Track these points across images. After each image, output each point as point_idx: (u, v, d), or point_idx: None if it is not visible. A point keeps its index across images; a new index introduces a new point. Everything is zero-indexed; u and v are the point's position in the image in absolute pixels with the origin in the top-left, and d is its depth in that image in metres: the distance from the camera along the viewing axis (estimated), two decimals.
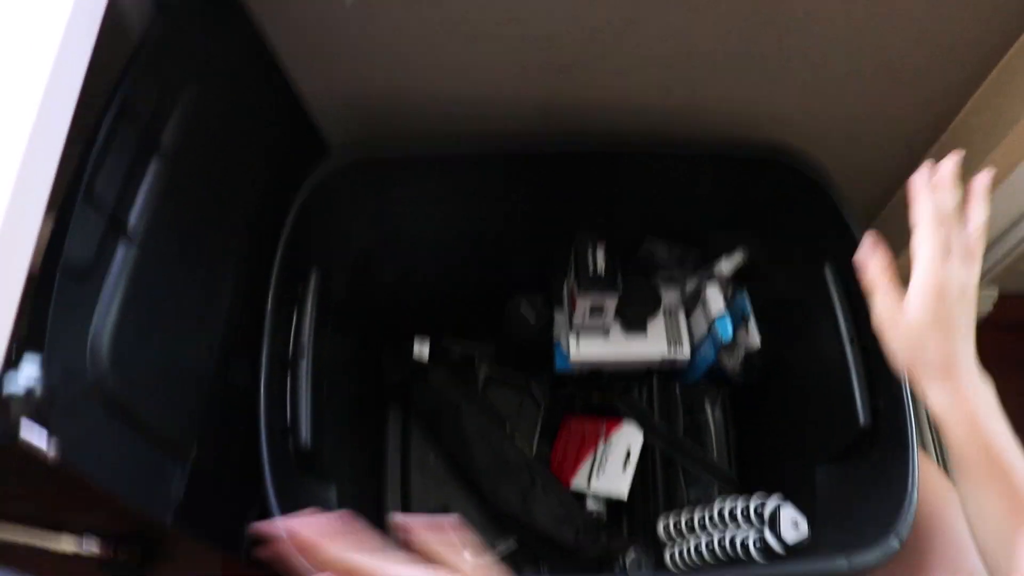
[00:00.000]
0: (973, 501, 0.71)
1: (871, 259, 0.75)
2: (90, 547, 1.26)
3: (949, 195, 0.74)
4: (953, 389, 0.69)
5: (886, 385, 0.92)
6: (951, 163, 0.76)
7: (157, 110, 0.77)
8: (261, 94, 1.02)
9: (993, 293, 1.59)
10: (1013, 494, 0.67)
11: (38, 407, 0.52)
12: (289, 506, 0.85)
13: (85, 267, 0.68)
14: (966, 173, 1.00)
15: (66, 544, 1.25)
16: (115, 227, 0.72)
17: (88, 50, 0.63)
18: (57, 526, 1.26)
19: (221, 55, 0.86)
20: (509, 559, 1.29)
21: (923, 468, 0.87)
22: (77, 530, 1.26)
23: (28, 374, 0.53)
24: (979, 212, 0.74)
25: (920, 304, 0.70)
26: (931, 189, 0.74)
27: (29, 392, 0.52)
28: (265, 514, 0.83)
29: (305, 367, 0.93)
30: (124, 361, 0.71)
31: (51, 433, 0.58)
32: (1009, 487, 0.67)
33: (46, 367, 0.55)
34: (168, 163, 0.78)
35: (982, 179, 0.76)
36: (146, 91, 0.75)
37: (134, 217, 0.74)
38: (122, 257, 0.73)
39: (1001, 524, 0.68)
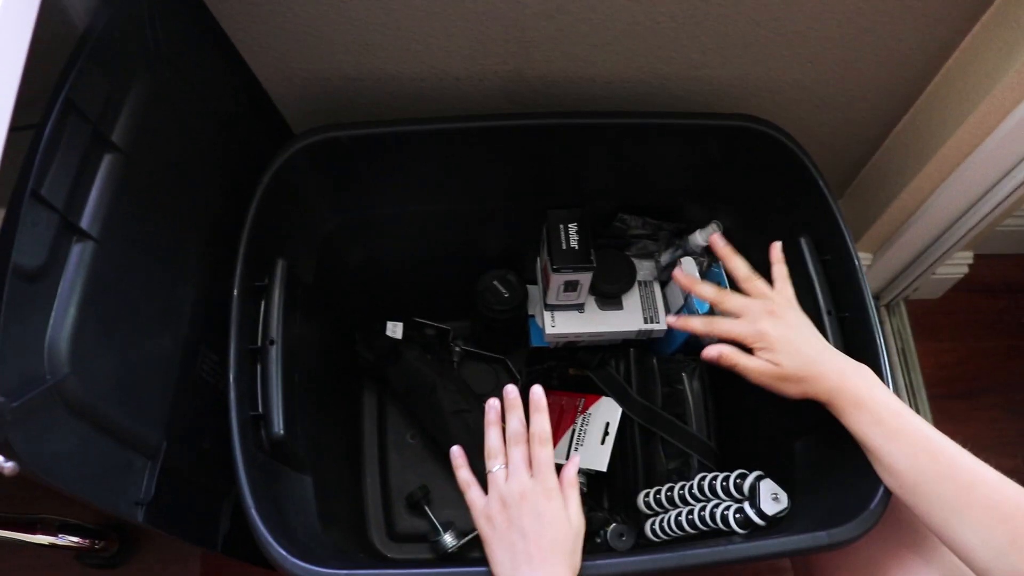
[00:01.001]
0: (891, 467, 0.81)
1: (718, 347, 0.93)
2: (66, 539, 1.25)
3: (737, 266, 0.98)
4: (835, 390, 0.85)
5: (864, 356, 0.92)
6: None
7: (107, 103, 0.74)
8: (218, 81, 0.99)
9: (968, 256, 1.59)
10: (913, 441, 0.80)
11: None
12: (264, 497, 0.84)
13: (38, 268, 0.66)
14: (936, 148, 1.02)
15: (41, 538, 1.24)
16: (68, 226, 0.69)
17: (24, 42, 0.59)
18: (31, 522, 1.24)
19: (173, 43, 0.83)
20: None
21: None
22: (52, 524, 1.24)
23: None
24: (778, 270, 0.98)
25: (765, 352, 0.90)
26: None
27: None
28: (239, 506, 0.82)
29: (275, 355, 0.92)
30: (85, 361, 0.70)
31: (8, 450, 0.56)
32: (908, 437, 0.80)
33: None
34: (122, 157, 0.75)
35: (775, 248, 0.99)
36: (94, 84, 0.72)
37: (88, 214, 0.71)
38: (78, 256, 0.70)
39: (924, 474, 0.78)
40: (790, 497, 0.98)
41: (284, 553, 0.79)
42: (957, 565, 0.84)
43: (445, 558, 1.25)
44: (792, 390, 0.89)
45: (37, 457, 0.62)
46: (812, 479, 0.99)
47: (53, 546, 1.26)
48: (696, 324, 1.00)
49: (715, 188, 1.16)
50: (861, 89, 1.17)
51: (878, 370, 0.89)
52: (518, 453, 0.85)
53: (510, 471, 0.84)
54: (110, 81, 0.75)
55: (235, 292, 0.91)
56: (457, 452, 0.91)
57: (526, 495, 0.81)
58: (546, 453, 0.85)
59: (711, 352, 0.94)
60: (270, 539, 0.79)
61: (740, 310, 0.93)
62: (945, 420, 1.55)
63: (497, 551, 0.81)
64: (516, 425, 0.87)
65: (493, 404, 0.90)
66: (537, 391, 0.88)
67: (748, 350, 0.92)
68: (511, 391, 0.89)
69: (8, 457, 0.56)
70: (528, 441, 0.86)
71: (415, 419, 1.36)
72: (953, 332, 1.64)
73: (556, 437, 1.27)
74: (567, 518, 0.82)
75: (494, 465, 0.86)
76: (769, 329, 0.89)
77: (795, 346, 0.88)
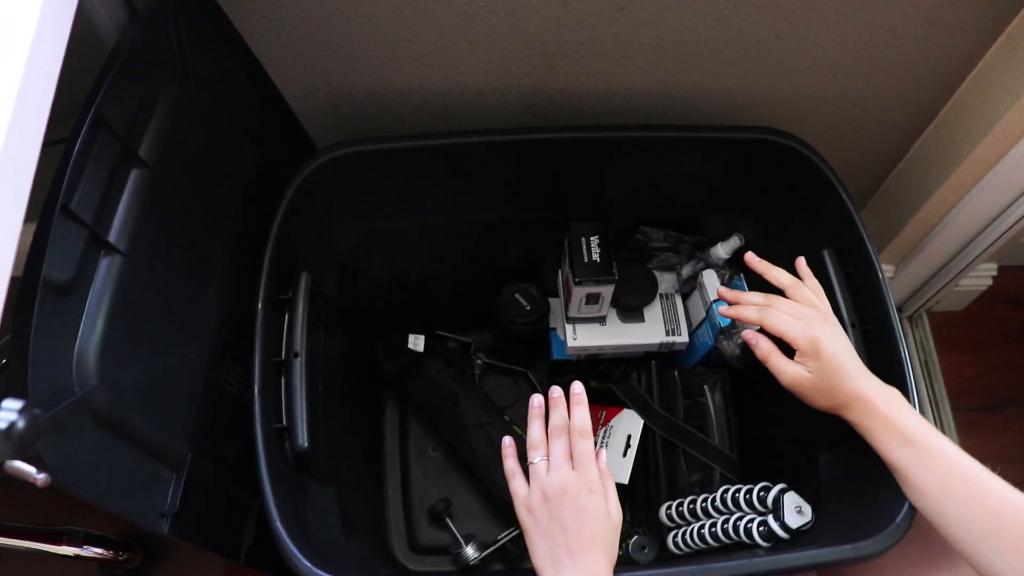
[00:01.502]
0: (919, 488, 0.81)
1: (760, 337, 0.94)
2: (90, 550, 1.26)
3: (781, 275, 0.97)
4: (867, 411, 0.84)
5: (888, 369, 0.92)
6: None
7: (135, 118, 0.75)
8: (243, 97, 1.00)
9: (992, 268, 1.58)
10: (942, 464, 0.79)
11: (20, 444, 0.51)
12: (288, 509, 0.84)
13: (67, 281, 0.67)
14: (960, 159, 1.01)
15: (66, 549, 1.25)
16: (97, 240, 0.70)
17: (58, 60, 0.61)
18: (56, 533, 1.25)
19: (199, 59, 0.84)
20: (512, 548, 1.29)
21: None
22: (77, 535, 1.25)
23: (7, 415, 0.51)
24: (811, 283, 0.97)
25: (810, 361, 0.88)
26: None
27: (9, 430, 0.50)
28: (263, 517, 0.82)
29: (299, 368, 0.92)
30: (112, 373, 0.70)
31: (40, 461, 0.57)
32: (937, 460, 0.79)
33: (30, 397, 0.53)
34: (149, 171, 0.76)
35: (801, 263, 0.99)
36: (123, 100, 0.73)
37: (116, 228, 0.72)
38: (106, 269, 0.71)
39: (953, 498, 0.78)
40: (814, 510, 0.97)
41: (309, 565, 0.79)
42: None
43: (467, 570, 1.25)
44: (822, 402, 0.88)
45: (66, 468, 0.63)
46: (837, 492, 0.98)
47: (77, 557, 1.26)
48: (749, 312, 0.95)
49: (737, 200, 1.16)
50: (883, 100, 1.17)
51: (903, 383, 0.89)
52: (560, 446, 0.86)
53: (552, 463, 0.85)
54: (138, 97, 0.76)
55: (259, 305, 0.91)
56: (508, 442, 0.93)
57: (567, 488, 0.82)
58: (587, 445, 0.86)
59: (751, 337, 0.94)
60: (295, 551, 0.80)
61: (795, 312, 0.92)
62: (969, 433, 1.54)
63: (537, 542, 0.82)
64: (558, 419, 0.88)
65: (537, 399, 0.91)
66: (578, 386, 0.90)
67: (786, 353, 0.92)
68: (555, 389, 0.91)
69: (40, 469, 0.57)
70: (569, 434, 0.87)
71: (437, 432, 1.36)
72: (976, 344, 1.63)
73: None
74: (607, 511, 0.83)
75: (536, 457, 0.87)
76: (821, 337, 0.88)
77: (839, 360, 0.87)
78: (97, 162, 0.70)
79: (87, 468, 0.67)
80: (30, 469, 0.56)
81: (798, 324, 0.90)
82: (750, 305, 0.96)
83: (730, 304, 0.99)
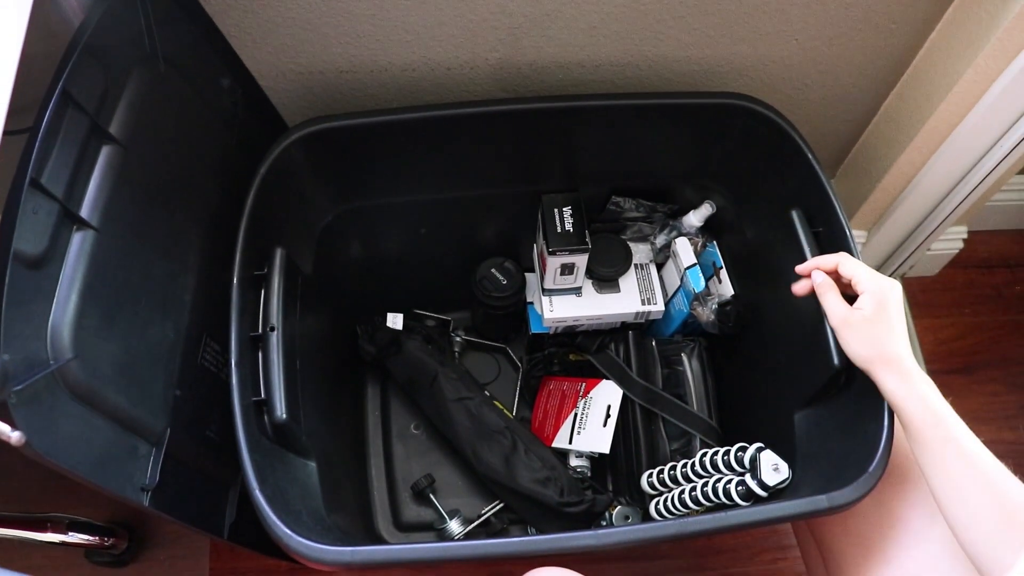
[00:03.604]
0: (935, 472, 0.79)
1: (816, 267, 0.92)
2: (75, 536, 1.26)
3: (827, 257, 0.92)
4: (905, 376, 0.82)
5: None
6: None
7: (104, 96, 0.76)
8: (213, 76, 1.00)
9: (962, 231, 1.60)
10: (965, 455, 0.77)
11: None
12: (268, 480, 0.85)
13: (39, 256, 0.67)
14: (922, 119, 1.01)
15: (51, 536, 1.25)
16: (68, 214, 0.71)
17: (17, 45, 0.61)
18: (41, 520, 1.25)
19: (167, 39, 0.84)
20: (496, 522, 1.30)
21: None
22: (62, 522, 1.26)
23: None
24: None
25: (871, 305, 0.85)
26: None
27: None
28: (246, 492, 0.83)
29: (275, 341, 0.93)
30: (87, 348, 0.71)
31: (14, 421, 0.58)
32: (960, 450, 0.77)
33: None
34: (121, 148, 0.77)
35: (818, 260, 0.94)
36: (91, 78, 0.73)
37: (88, 204, 0.73)
38: (78, 244, 0.72)
39: (963, 482, 0.76)
40: (791, 468, 0.99)
41: (289, 532, 0.80)
42: (954, 541, 0.84)
43: None
44: (863, 349, 0.85)
45: (42, 438, 0.63)
46: (812, 450, 1.00)
47: (63, 544, 1.27)
48: (825, 260, 0.92)
49: (707, 167, 1.17)
50: (847, 65, 1.18)
51: None
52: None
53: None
54: (106, 75, 0.76)
55: (235, 280, 0.92)
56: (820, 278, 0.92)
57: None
58: None
59: (809, 269, 0.93)
60: (274, 518, 0.80)
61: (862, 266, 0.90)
62: (946, 395, 1.52)
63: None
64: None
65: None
66: None
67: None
68: None
69: (14, 428, 0.57)
70: None
71: (418, 409, 1.37)
72: (951, 308, 1.65)
73: (558, 422, 1.29)
74: None
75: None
76: (892, 288, 0.86)
77: (899, 317, 0.85)
78: (66, 138, 0.71)
79: (63, 439, 0.68)
80: (4, 427, 0.56)
81: (871, 271, 0.88)
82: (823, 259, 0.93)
83: (805, 276, 0.95)
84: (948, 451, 0.77)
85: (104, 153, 0.76)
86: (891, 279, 0.87)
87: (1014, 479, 0.75)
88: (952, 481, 0.77)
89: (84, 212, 0.73)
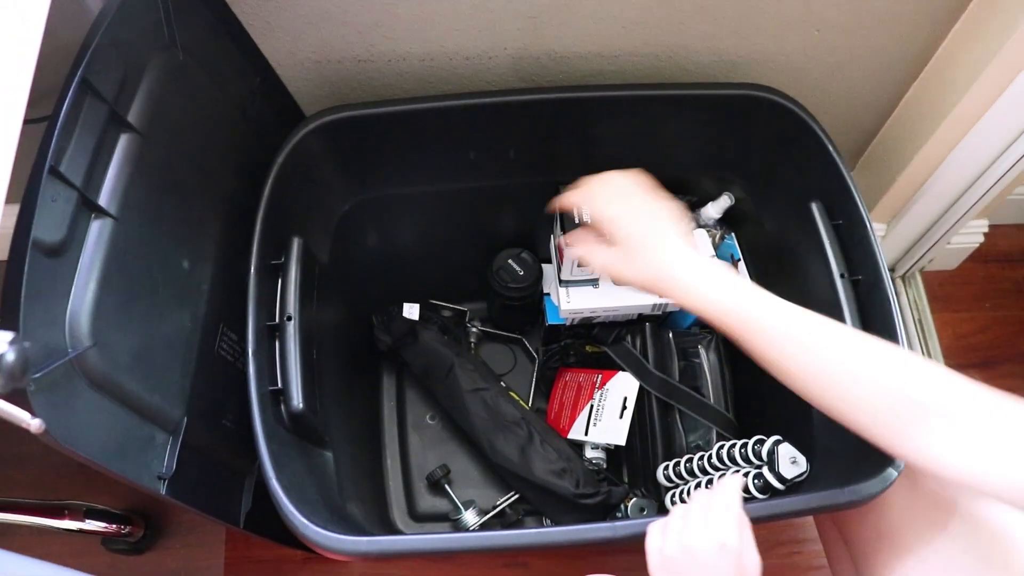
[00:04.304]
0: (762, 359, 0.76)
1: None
2: (92, 524, 1.27)
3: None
4: (686, 284, 0.77)
5: (878, 315, 0.92)
6: None
7: (123, 84, 0.76)
8: (231, 65, 1.00)
9: (983, 224, 1.58)
10: (821, 330, 0.75)
11: (10, 375, 0.51)
12: (284, 469, 0.85)
13: (57, 243, 0.67)
14: (945, 110, 0.99)
15: (69, 524, 1.26)
16: (86, 202, 0.71)
17: (39, 26, 0.61)
18: (59, 507, 1.26)
19: (186, 27, 0.84)
20: (511, 513, 1.30)
21: None
22: (79, 509, 1.27)
23: None
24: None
25: (612, 238, 0.82)
26: None
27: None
28: (262, 481, 0.83)
29: (292, 330, 0.93)
30: (105, 336, 0.71)
31: (33, 408, 0.58)
32: (808, 326, 0.76)
33: (19, 343, 0.54)
34: (139, 137, 0.77)
35: None
36: (110, 66, 0.73)
37: (107, 191, 0.73)
38: (97, 232, 0.72)
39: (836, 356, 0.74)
40: (809, 461, 0.98)
41: (306, 522, 0.80)
42: (979, 537, 0.84)
43: None
44: (636, 278, 0.82)
45: (60, 426, 0.63)
46: (831, 443, 0.99)
47: (80, 531, 1.28)
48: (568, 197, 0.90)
49: (726, 158, 1.16)
50: (869, 55, 1.17)
51: (892, 332, 0.90)
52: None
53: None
54: (125, 63, 0.76)
55: (252, 269, 0.92)
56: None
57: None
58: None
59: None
60: (291, 507, 0.80)
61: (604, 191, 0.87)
62: None
63: None
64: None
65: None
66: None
67: None
68: None
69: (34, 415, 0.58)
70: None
71: (434, 400, 1.37)
72: (970, 302, 1.64)
73: (574, 413, 1.28)
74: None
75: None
76: (617, 216, 0.83)
77: (641, 235, 0.81)
78: (85, 126, 0.70)
79: (81, 427, 0.68)
80: (24, 415, 0.57)
81: (599, 203, 0.85)
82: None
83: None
84: (792, 332, 0.75)
85: (122, 141, 0.76)
86: (614, 199, 0.84)
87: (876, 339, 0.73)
88: (824, 361, 0.74)
89: (102, 200, 0.73)
